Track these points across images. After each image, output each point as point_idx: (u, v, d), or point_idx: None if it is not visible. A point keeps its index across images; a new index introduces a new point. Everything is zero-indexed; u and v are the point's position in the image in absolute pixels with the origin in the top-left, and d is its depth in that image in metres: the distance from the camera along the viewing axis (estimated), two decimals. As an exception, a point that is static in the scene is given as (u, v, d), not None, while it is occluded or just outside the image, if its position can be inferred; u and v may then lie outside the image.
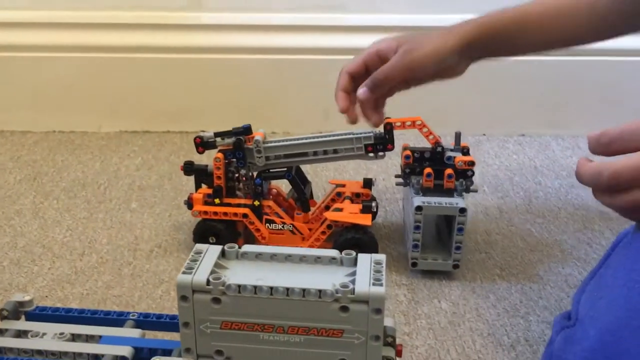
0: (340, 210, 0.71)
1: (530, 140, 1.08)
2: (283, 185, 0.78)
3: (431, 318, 0.63)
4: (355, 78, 0.70)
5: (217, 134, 0.72)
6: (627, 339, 0.40)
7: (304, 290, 0.44)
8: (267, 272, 0.46)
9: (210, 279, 0.44)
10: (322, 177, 0.95)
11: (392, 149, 0.70)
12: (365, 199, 0.75)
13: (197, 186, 0.75)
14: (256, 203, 0.72)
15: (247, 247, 0.48)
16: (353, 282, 0.44)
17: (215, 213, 0.71)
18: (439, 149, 0.70)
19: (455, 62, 0.67)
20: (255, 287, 0.44)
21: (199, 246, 0.48)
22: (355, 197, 0.76)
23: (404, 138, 0.80)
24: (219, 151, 0.72)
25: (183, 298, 0.44)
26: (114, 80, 1.08)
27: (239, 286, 0.44)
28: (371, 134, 0.70)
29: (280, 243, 0.73)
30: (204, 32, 1.07)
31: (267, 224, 0.73)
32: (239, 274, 0.46)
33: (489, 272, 0.71)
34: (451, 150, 0.70)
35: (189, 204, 0.73)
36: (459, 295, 0.67)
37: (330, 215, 0.70)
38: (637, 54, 1.07)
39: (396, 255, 0.74)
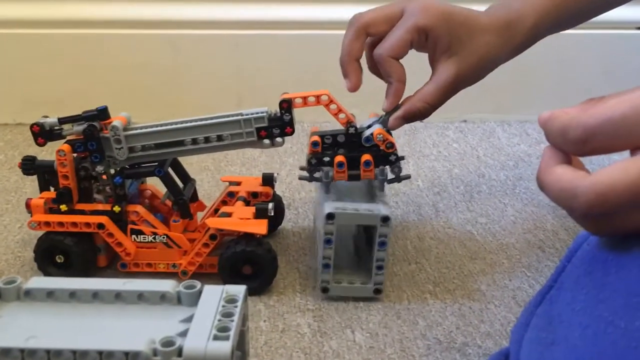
0: (229, 215, 0.55)
1: (472, 127, 0.94)
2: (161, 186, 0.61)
3: (340, 356, 0.48)
4: None
5: (62, 120, 0.55)
6: None
7: (101, 353, 0.28)
8: (55, 322, 0.30)
9: (-49, 340, 0.27)
10: (226, 173, 0.79)
11: (291, 132, 0.54)
12: (264, 199, 0.60)
13: (43, 189, 0.57)
14: (116, 209, 0.55)
15: (34, 282, 0.32)
16: (185, 333, 0.29)
17: (61, 224, 0.54)
18: (352, 129, 0.55)
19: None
20: (23, 350, 0.27)
21: (-42, 282, 0.31)
22: (252, 198, 0.60)
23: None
24: (66, 142, 0.55)
25: None
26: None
27: (-3, 350, 0.27)
28: (264, 115, 0.54)
29: (153, 259, 0.56)
30: (87, 3, 0.89)
31: (133, 236, 0.56)
32: (8, 327, 0.29)
33: (420, 288, 0.56)
34: (368, 127, 0.55)
35: (30, 212, 0.56)
36: (379, 322, 0.52)
37: (213, 222, 0.54)
38: (586, 27, 0.94)
39: (304, 270, 0.58)
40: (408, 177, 0.56)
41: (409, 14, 0.53)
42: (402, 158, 0.55)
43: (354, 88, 0.54)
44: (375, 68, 0.56)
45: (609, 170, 0.27)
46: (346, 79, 0.55)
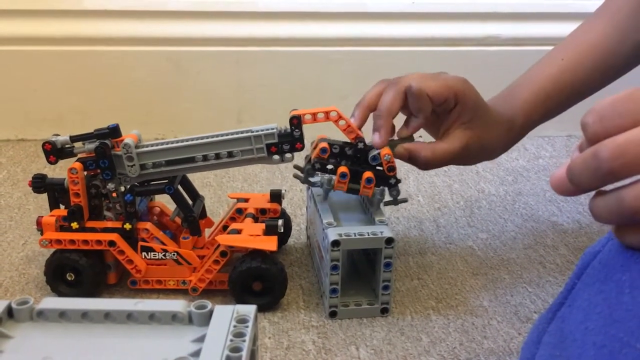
0: (238, 232, 0.56)
1: (470, 142, 0.95)
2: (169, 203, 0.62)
3: (348, 372, 0.49)
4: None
5: (74, 138, 0.56)
6: None
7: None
8: (68, 343, 0.31)
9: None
10: (228, 189, 0.80)
11: (301, 148, 0.56)
12: (272, 216, 0.61)
13: (53, 207, 0.58)
14: (127, 226, 0.56)
15: (46, 302, 0.33)
16: (197, 354, 0.29)
17: (72, 241, 0.55)
18: (360, 145, 0.56)
19: None
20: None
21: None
22: (260, 214, 0.61)
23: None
24: (77, 160, 0.56)
25: None
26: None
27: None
28: (274, 131, 0.55)
29: (163, 276, 0.57)
30: (88, 20, 0.90)
31: (144, 253, 0.57)
32: (22, 347, 0.30)
33: (422, 304, 0.57)
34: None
35: (40, 230, 0.57)
36: (383, 338, 0.53)
37: (224, 239, 0.55)
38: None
39: (307, 287, 0.59)
40: (405, 200, 0.58)
41: (450, 78, 0.56)
42: (400, 181, 0.56)
43: (382, 145, 0.56)
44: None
45: (624, 132, 0.28)
46: (377, 132, 0.56)
